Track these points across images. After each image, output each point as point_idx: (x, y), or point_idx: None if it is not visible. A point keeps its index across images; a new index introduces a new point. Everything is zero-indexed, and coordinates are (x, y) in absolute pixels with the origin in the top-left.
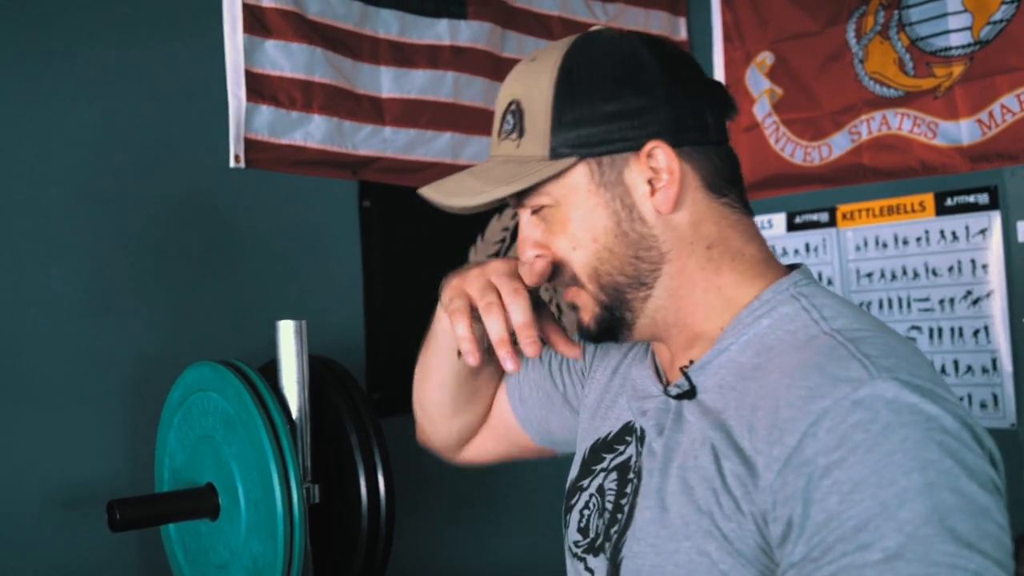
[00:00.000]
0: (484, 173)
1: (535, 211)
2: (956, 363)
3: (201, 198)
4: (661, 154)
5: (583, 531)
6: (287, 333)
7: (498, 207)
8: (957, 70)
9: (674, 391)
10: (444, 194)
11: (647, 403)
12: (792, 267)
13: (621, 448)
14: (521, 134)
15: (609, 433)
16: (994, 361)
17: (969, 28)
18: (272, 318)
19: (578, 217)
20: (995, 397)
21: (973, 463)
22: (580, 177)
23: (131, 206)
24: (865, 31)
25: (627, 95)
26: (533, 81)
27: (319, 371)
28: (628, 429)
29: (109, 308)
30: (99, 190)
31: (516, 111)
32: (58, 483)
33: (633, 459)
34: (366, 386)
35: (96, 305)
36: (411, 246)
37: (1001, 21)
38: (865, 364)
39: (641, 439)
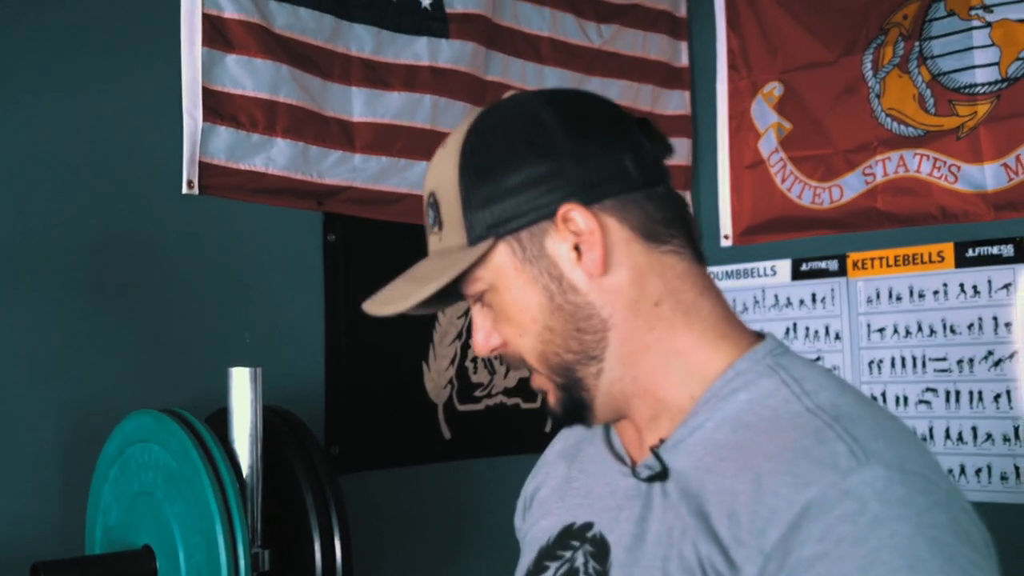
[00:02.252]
0: (414, 273)
1: (478, 299)
2: (975, 430)
3: (149, 228)
4: (577, 215)
5: None
6: (241, 381)
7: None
8: (982, 109)
9: (644, 472)
10: (377, 303)
11: (607, 492)
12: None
13: (565, 556)
14: (441, 226)
15: (550, 538)
16: (1016, 429)
17: (997, 64)
18: (224, 363)
19: (512, 299)
20: (1017, 469)
21: (967, 558)
22: (503, 257)
23: (69, 233)
24: (883, 63)
25: (530, 162)
26: (441, 169)
27: (273, 423)
28: (571, 533)
29: (40, 349)
30: (32, 217)
31: (433, 203)
32: None
33: (581, 563)
34: (324, 439)
35: (26, 346)
36: (380, 285)
37: None
38: (853, 449)
39: (594, 541)
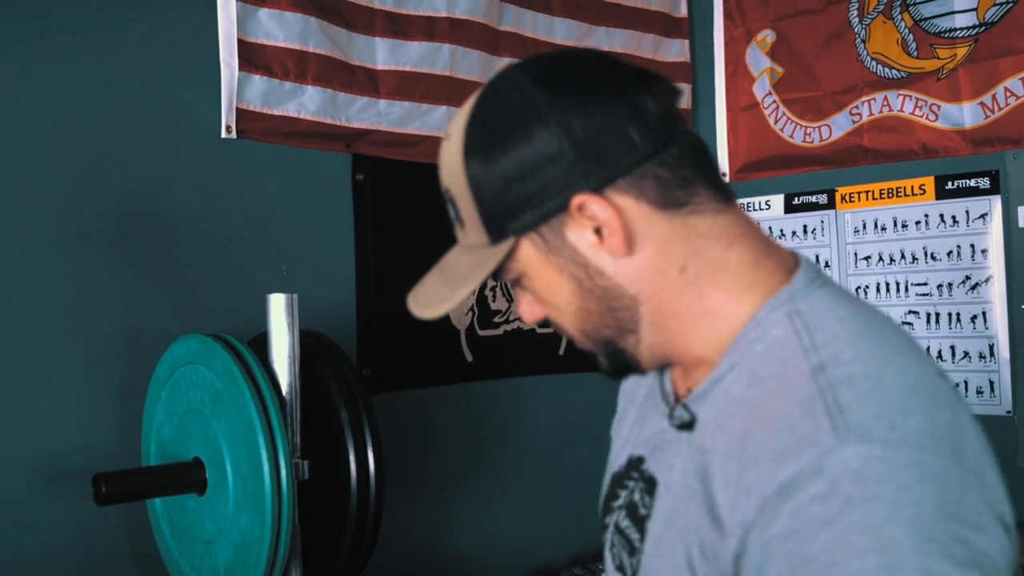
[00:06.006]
0: (448, 271)
1: (516, 283)
2: (953, 348)
3: (191, 169)
4: (592, 203)
5: (620, 569)
6: (278, 307)
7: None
8: (961, 52)
9: (676, 421)
10: (420, 305)
11: (655, 431)
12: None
13: (630, 485)
14: (462, 224)
15: (621, 466)
16: (991, 347)
17: (975, 9)
18: (263, 291)
19: (544, 286)
20: (991, 384)
21: (950, 534)
22: (528, 251)
23: (119, 176)
24: (868, 10)
25: (532, 154)
26: (449, 165)
27: (310, 346)
28: (632, 464)
29: (96, 279)
30: (86, 160)
31: (450, 199)
32: (44, 456)
33: (638, 497)
34: (357, 362)
35: (83, 277)
36: (404, 221)
37: (1007, 3)
38: (836, 424)
39: (644, 476)
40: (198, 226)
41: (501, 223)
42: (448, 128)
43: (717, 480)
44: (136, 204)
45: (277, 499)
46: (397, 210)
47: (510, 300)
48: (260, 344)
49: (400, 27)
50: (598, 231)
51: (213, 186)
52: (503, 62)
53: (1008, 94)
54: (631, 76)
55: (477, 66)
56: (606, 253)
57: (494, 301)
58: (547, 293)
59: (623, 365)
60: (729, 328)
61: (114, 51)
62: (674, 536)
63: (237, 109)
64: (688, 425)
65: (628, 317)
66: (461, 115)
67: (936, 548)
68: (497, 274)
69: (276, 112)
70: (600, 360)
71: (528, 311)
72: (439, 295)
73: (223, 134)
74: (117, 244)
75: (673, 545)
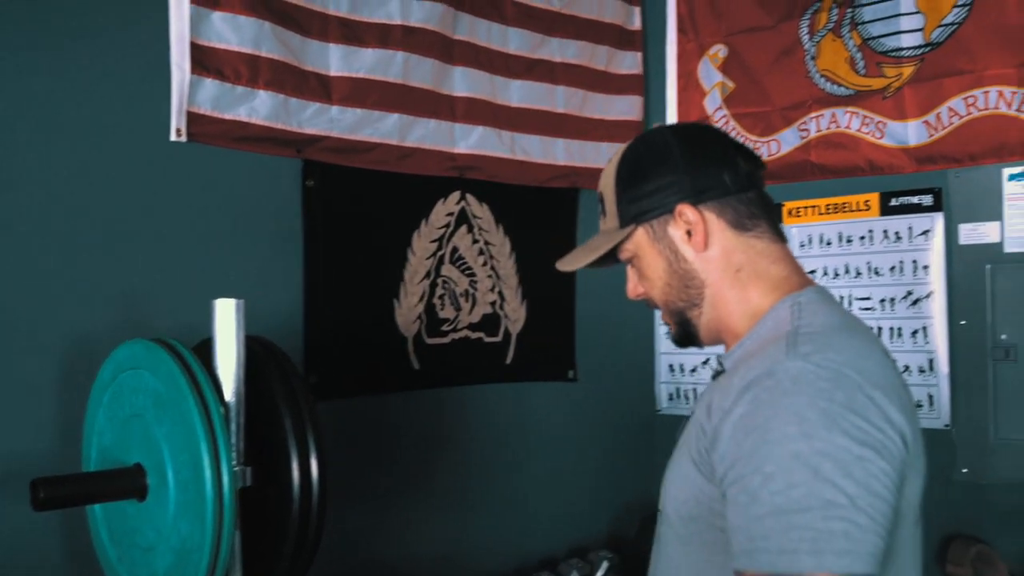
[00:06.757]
0: (588, 244)
1: (628, 261)
2: (894, 362)
3: (140, 171)
4: (688, 211)
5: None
6: (225, 312)
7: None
8: (907, 71)
9: (712, 373)
10: (564, 263)
11: (703, 391)
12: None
13: (686, 420)
14: (605, 215)
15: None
16: (931, 362)
17: (921, 30)
18: (210, 296)
19: (647, 264)
20: (931, 397)
21: (852, 423)
22: (641, 237)
23: (64, 177)
24: (818, 28)
25: (660, 175)
26: (606, 178)
27: (256, 352)
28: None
29: (40, 281)
30: (32, 160)
31: (600, 199)
32: None
33: (682, 428)
34: (304, 368)
35: (26, 278)
36: (355, 227)
37: (952, 24)
38: (789, 351)
39: (692, 412)
40: (146, 229)
41: (629, 215)
42: (612, 157)
43: (714, 407)
44: (82, 206)
45: (218, 506)
46: (348, 217)
47: (457, 309)
48: (205, 350)
49: (354, 34)
50: (688, 233)
51: (162, 189)
52: (457, 71)
53: (952, 113)
54: (732, 145)
55: (430, 74)
56: (690, 247)
57: (442, 310)
58: (648, 269)
59: (687, 334)
60: (758, 313)
61: (63, 51)
62: (684, 447)
63: (188, 112)
64: (718, 375)
65: (696, 295)
66: (622, 147)
67: (839, 429)
68: (616, 252)
69: (227, 116)
70: (671, 329)
71: (632, 288)
72: (578, 257)
73: (173, 137)
74: (61, 246)
75: (682, 453)
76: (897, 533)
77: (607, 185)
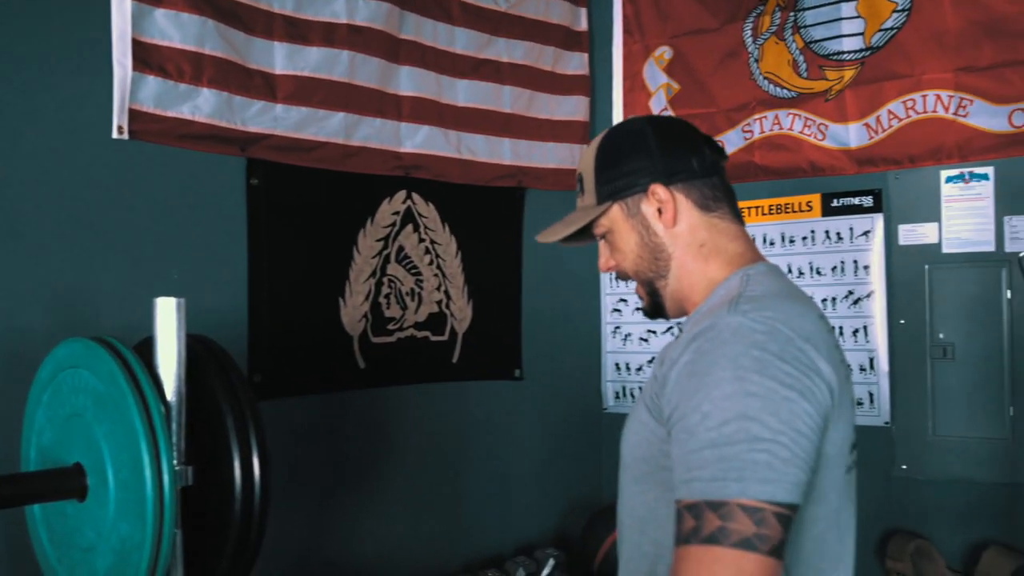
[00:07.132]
0: (565, 219)
1: (602, 237)
2: None
3: (81, 169)
4: (660, 191)
5: None
6: (166, 311)
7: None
8: (848, 74)
9: (673, 336)
10: (542, 235)
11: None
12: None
13: None
14: (583, 193)
15: None
16: (871, 360)
17: (862, 34)
18: (152, 295)
19: (621, 239)
20: (871, 395)
21: (780, 369)
22: (616, 213)
23: (8, 173)
24: (762, 31)
25: (635, 158)
26: (585, 160)
27: (197, 351)
28: None
29: None
30: None
31: (580, 179)
32: None
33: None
34: (248, 368)
35: None
36: (299, 226)
37: (892, 28)
38: (731, 308)
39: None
40: (86, 227)
41: (606, 192)
42: (591, 142)
43: (667, 358)
44: (21, 203)
45: (159, 505)
46: (292, 215)
47: (403, 308)
48: (146, 349)
49: (299, 32)
50: (659, 210)
51: (103, 187)
52: (403, 70)
53: (891, 116)
54: (700, 136)
55: (376, 73)
56: (661, 223)
57: (388, 308)
58: (621, 242)
59: (657, 305)
60: (714, 283)
61: (2, 48)
62: (640, 397)
63: (130, 110)
64: (678, 337)
65: (664, 266)
66: (602, 133)
67: (768, 374)
68: (591, 228)
69: (170, 114)
70: (644, 301)
71: (604, 262)
72: (557, 230)
73: (115, 134)
74: (3, 243)
75: (638, 402)
76: (826, 475)
77: (587, 166)
